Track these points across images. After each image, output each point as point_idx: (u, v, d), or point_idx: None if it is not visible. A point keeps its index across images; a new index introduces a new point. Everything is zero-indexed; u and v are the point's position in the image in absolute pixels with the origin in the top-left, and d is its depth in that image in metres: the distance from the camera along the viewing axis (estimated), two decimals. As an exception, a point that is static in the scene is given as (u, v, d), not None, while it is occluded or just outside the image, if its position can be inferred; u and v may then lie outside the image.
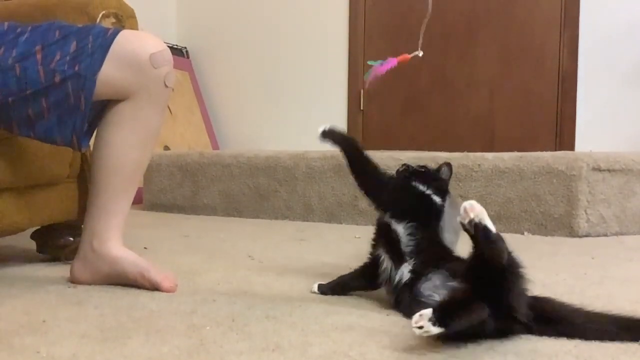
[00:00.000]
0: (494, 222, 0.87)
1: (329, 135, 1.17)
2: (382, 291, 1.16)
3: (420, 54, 1.36)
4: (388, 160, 2.38)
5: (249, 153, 2.73)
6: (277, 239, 2.06)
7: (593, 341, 0.91)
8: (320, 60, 3.69)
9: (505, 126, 3.32)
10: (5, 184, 1.34)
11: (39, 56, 1.18)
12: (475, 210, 0.86)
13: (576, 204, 2.09)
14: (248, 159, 2.68)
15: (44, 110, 1.20)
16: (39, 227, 1.57)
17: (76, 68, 1.18)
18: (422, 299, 1.00)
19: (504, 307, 0.89)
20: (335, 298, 1.21)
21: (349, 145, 1.18)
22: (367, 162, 1.18)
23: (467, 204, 0.87)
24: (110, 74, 1.20)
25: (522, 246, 1.88)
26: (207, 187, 2.76)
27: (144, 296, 1.20)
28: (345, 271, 1.25)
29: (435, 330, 0.82)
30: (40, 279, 1.37)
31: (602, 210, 2.12)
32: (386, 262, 1.12)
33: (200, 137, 3.81)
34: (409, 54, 1.34)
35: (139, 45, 1.23)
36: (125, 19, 1.49)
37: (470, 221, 0.86)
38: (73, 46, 1.19)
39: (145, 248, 1.77)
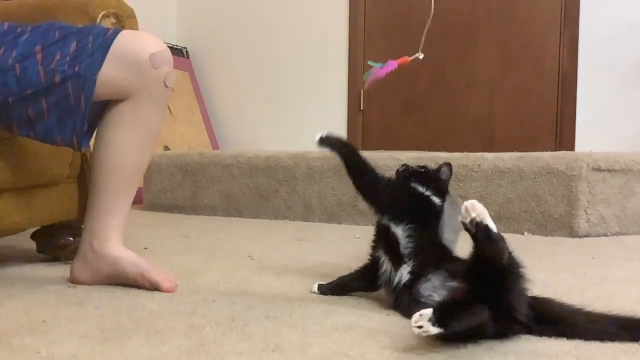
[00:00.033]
0: (494, 222, 0.87)
1: (326, 141, 1.17)
2: (382, 291, 1.16)
3: (421, 56, 1.36)
4: (388, 160, 2.38)
5: (249, 153, 2.73)
6: (277, 239, 2.06)
7: (593, 341, 0.91)
8: (320, 60, 3.69)
9: (505, 126, 3.32)
10: (6, 184, 1.34)
11: (39, 56, 1.18)
12: (476, 209, 0.86)
13: (576, 204, 2.09)
14: (248, 159, 2.68)
15: (44, 110, 1.20)
16: (39, 227, 1.57)
17: (76, 68, 1.18)
18: (422, 300, 1.00)
19: (504, 307, 0.89)
20: (335, 298, 1.21)
21: (347, 151, 1.18)
22: (365, 166, 1.18)
23: (468, 203, 0.87)
24: (110, 74, 1.20)
25: (522, 246, 1.88)
26: (207, 187, 2.76)
27: (144, 296, 1.20)
28: (345, 271, 1.25)
29: (435, 330, 0.82)
30: (40, 279, 1.37)
31: (602, 210, 2.12)
32: (386, 264, 1.12)
33: (200, 137, 3.81)
34: (409, 56, 1.34)
35: (139, 46, 1.23)
36: (125, 19, 1.49)
37: (472, 220, 0.86)
38: (73, 46, 1.19)
39: (145, 248, 1.77)
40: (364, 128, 3.62)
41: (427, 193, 1.16)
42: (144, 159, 1.32)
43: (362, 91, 3.58)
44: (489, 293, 0.87)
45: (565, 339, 0.92)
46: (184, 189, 2.82)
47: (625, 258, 1.72)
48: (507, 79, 3.31)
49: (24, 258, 1.62)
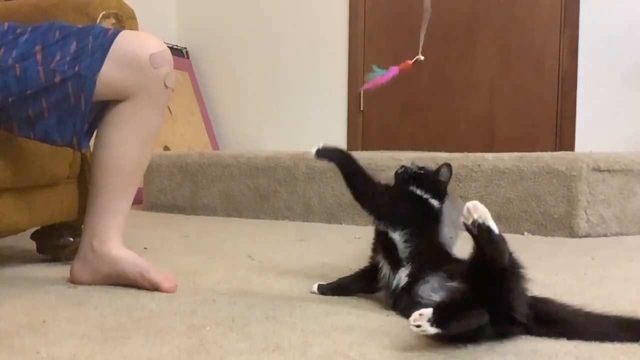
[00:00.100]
0: (494, 223, 0.87)
1: (323, 153, 1.17)
2: (382, 292, 1.16)
3: (422, 58, 1.36)
4: (388, 160, 2.39)
5: (249, 153, 2.73)
6: (277, 239, 2.06)
7: (593, 342, 0.91)
8: (321, 61, 3.69)
9: (505, 126, 3.32)
10: (6, 184, 1.34)
11: (39, 56, 1.18)
12: (478, 210, 0.86)
13: (576, 205, 2.09)
14: (248, 159, 2.68)
15: (44, 110, 1.20)
16: (39, 227, 1.57)
17: (76, 68, 1.18)
18: (421, 301, 1.00)
19: (504, 308, 0.89)
20: (335, 298, 1.21)
21: (344, 161, 1.18)
22: (363, 175, 1.17)
23: (470, 204, 0.86)
24: (111, 74, 1.20)
25: (522, 246, 1.87)
26: (207, 188, 2.76)
27: (144, 296, 1.20)
28: (345, 271, 1.25)
29: (432, 330, 0.82)
30: (40, 279, 1.37)
31: (602, 211, 2.12)
32: (385, 268, 1.12)
33: (200, 138, 3.81)
34: (410, 59, 1.34)
35: (139, 46, 1.23)
36: (125, 20, 1.49)
37: (474, 222, 0.86)
38: (73, 46, 1.19)
39: (145, 248, 1.77)
40: (364, 128, 3.62)
41: (426, 196, 1.16)
42: (144, 159, 1.32)
43: (362, 92, 3.58)
44: (488, 293, 0.87)
45: (565, 339, 0.92)
46: (184, 189, 2.82)
47: (625, 258, 1.72)
48: (507, 79, 3.31)
49: (24, 258, 1.62)
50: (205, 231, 2.24)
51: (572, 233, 2.10)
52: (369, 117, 3.61)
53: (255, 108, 3.91)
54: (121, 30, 1.25)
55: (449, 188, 1.21)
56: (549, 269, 1.50)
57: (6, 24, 1.25)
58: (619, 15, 3.04)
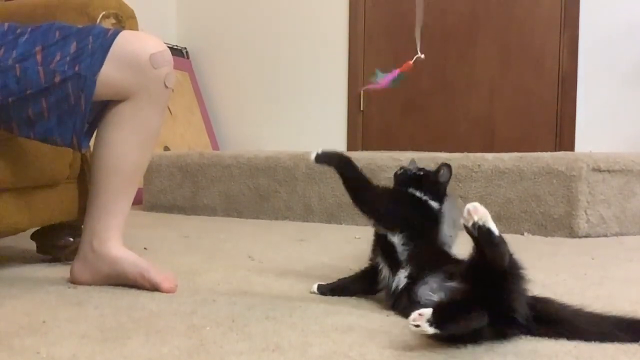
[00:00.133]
0: (494, 223, 0.87)
1: (323, 158, 1.17)
2: (382, 293, 1.16)
3: (422, 56, 1.35)
4: (388, 160, 2.39)
5: (249, 154, 2.73)
6: (277, 239, 2.06)
7: (593, 342, 0.91)
8: (320, 61, 3.69)
9: (505, 127, 3.32)
10: (6, 184, 1.34)
11: (39, 57, 1.18)
12: (478, 212, 0.85)
13: (576, 205, 2.09)
14: (248, 159, 2.68)
15: (44, 110, 1.20)
16: (39, 227, 1.57)
17: (76, 68, 1.18)
18: (420, 301, 1.00)
19: (503, 308, 0.89)
20: (335, 298, 1.21)
21: (344, 165, 1.17)
22: (362, 179, 1.17)
23: (470, 206, 0.86)
24: (111, 74, 1.20)
25: (522, 246, 1.88)
26: (207, 188, 2.76)
27: (144, 297, 1.20)
28: (345, 271, 1.25)
29: (431, 330, 0.83)
30: (40, 279, 1.37)
31: (602, 211, 2.12)
32: (385, 271, 1.12)
33: (200, 138, 3.81)
34: (410, 59, 1.34)
35: (139, 46, 1.23)
36: (125, 20, 1.49)
37: (474, 224, 0.85)
38: (73, 47, 1.19)
39: (145, 248, 1.77)
40: (364, 128, 3.62)
41: (425, 198, 1.16)
42: (144, 159, 1.32)
43: (362, 92, 3.58)
44: (488, 294, 0.87)
45: (565, 339, 0.92)
46: (184, 190, 2.82)
47: (625, 258, 1.72)
48: (507, 79, 3.31)
49: (24, 258, 1.62)
50: (205, 231, 2.24)
51: (572, 233, 2.10)
52: (369, 117, 3.61)
53: (255, 108, 3.91)
54: (121, 31, 1.25)
55: (449, 188, 1.21)
56: (549, 269, 1.50)
57: (6, 24, 1.26)
58: (619, 15, 3.04)
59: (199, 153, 2.86)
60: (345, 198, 2.57)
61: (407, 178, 1.20)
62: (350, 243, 1.97)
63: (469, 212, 0.86)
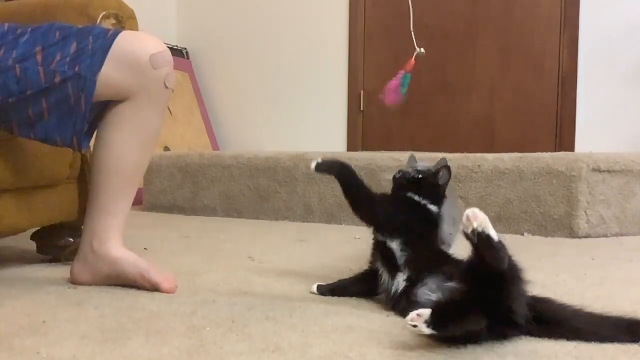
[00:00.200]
0: (494, 223, 0.87)
1: (323, 167, 1.17)
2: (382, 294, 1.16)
3: (422, 50, 1.35)
4: (388, 160, 2.39)
5: (249, 154, 2.73)
6: (277, 239, 2.06)
7: (593, 342, 0.91)
8: (320, 61, 3.69)
9: (505, 127, 3.32)
10: (6, 184, 1.34)
11: (39, 57, 1.18)
12: (478, 218, 0.85)
13: (576, 205, 2.09)
14: (248, 159, 2.68)
15: (44, 110, 1.20)
16: (39, 228, 1.57)
17: (76, 69, 1.18)
18: (419, 301, 1.00)
19: (503, 310, 0.89)
20: (335, 299, 1.21)
21: (344, 173, 1.18)
22: (362, 187, 1.17)
23: (469, 212, 0.85)
24: (111, 74, 1.20)
25: (522, 247, 1.88)
26: (207, 188, 2.76)
27: (143, 297, 1.20)
28: (345, 272, 1.26)
29: (428, 331, 0.83)
30: (40, 279, 1.37)
31: (602, 211, 2.12)
32: (384, 276, 1.13)
33: (200, 138, 3.81)
34: (410, 57, 1.34)
35: (139, 46, 1.23)
36: (125, 20, 1.49)
37: (473, 230, 0.85)
38: (73, 47, 1.19)
39: (145, 249, 1.77)
40: (364, 128, 3.62)
41: (424, 202, 1.16)
42: (144, 159, 1.32)
43: (362, 92, 3.57)
44: (487, 294, 0.87)
45: (565, 339, 0.92)
46: (184, 190, 2.82)
47: (625, 259, 1.72)
48: (507, 79, 3.31)
49: (24, 259, 1.62)
50: (205, 232, 2.24)
51: (572, 233, 2.10)
52: (369, 117, 3.61)
53: (255, 108, 3.91)
54: (121, 31, 1.25)
55: (449, 187, 1.21)
56: (549, 270, 1.50)
57: (6, 25, 1.26)
58: (619, 15, 3.04)
59: (199, 153, 2.86)
60: (345, 198, 2.55)
61: (406, 181, 1.19)
62: (350, 243, 1.97)
63: (468, 218, 0.85)
